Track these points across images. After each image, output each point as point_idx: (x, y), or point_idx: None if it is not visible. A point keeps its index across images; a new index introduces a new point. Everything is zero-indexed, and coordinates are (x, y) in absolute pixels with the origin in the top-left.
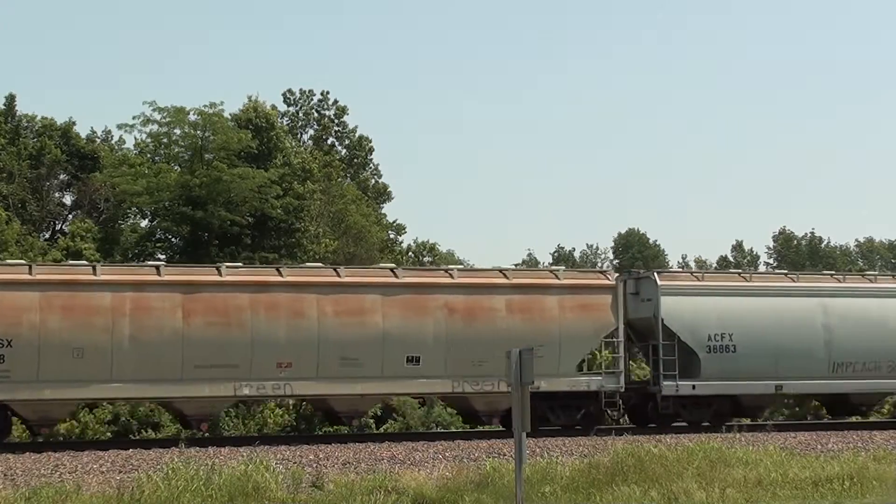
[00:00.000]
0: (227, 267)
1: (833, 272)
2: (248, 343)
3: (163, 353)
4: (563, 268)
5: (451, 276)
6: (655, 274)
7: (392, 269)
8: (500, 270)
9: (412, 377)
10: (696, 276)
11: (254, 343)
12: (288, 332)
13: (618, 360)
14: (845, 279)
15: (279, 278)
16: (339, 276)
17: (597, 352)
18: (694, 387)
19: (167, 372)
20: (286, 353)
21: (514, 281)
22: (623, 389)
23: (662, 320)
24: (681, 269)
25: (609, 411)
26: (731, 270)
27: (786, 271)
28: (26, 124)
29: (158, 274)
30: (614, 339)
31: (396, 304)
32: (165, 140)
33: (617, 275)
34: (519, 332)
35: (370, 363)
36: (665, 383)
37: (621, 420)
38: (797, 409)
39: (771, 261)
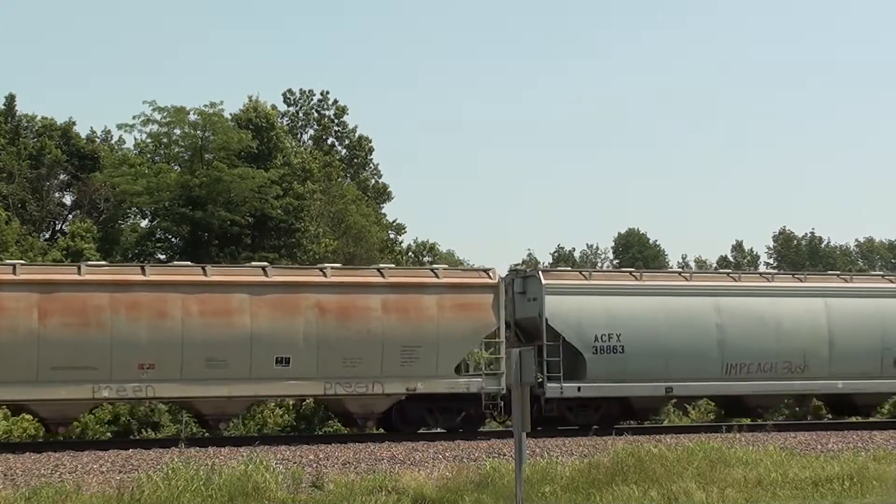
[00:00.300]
0: (88, 266)
1: (729, 271)
2: (107, 344)
3: (17, 355)
4: (445, 266)
5: (324, 274)
6: (540, 272)
7: (263, 268)
8: (378, 269)
9: (282, 379)
10: (583, 275)
11: (113, 344)
12: (150, 332)
13: (499, 361)
14: (740, 278)
15: (141, 277)
16: (205, 275)
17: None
18: (579, 389)
19: (21, 374)
20: (148, 355)
21: (391, 280)
22: (505, 391)
23: (546, 320)
24: (569, 268)
25: (492, 414)
26: (623, 269)
27: (679, 270)
28: (26, 124)
29: (14, 273)
30: (496, 340)
31: (265, 303)
32: (165, 140)
33: (507, 273)
34: (395, 333)
35: (237, 364)
36: (549, 385)
37: (507, 423)
38: (797, 409)
39: (771, 261)
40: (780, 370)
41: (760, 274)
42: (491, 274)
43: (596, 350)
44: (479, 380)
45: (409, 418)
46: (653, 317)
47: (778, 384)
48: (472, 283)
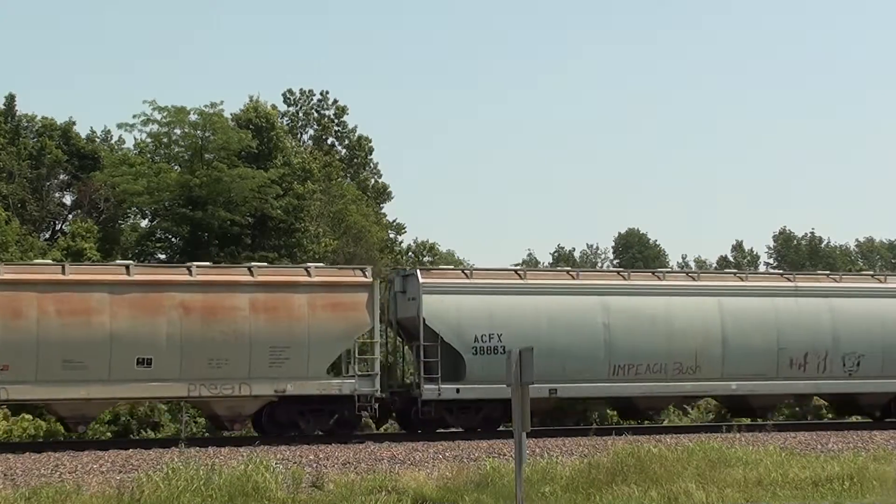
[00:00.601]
0: None
1: (620, 270)
2: None
3: None
4: (319, 264)
5: (190, 272)
6: (418, 271)
7: (126, 266)
8: (248, 267)
9: (143, 380)
10: (465, 274)
11: None
12: (3, 332)
13: (373, 362)
14: (630, 276)
15: None
16: (63, 273)
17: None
18: (458, 390)
19: None
20: (1, 356)
21: (260, 278)
22: (379, 393)
23: (424, 320)
24: (450, 267)
25: (367, 417)
26: (508, 267)
27: (568, 268)
28: (26, 124)
29: None
30: (371, 340)
31: (126, 303)
32: (165, 140)
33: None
34: (263, 333)
35: (96, 366)
36: (426, 387)
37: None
38: (797, 409)
39: (771, 261)
40: (670, 371)
41: (653, 272)
42: (366, 273)
43: (476, 351)
44: (353, 381)
45: (279, 421)
46: (536, 316)
47: (668, 385)
48: (345, 281)
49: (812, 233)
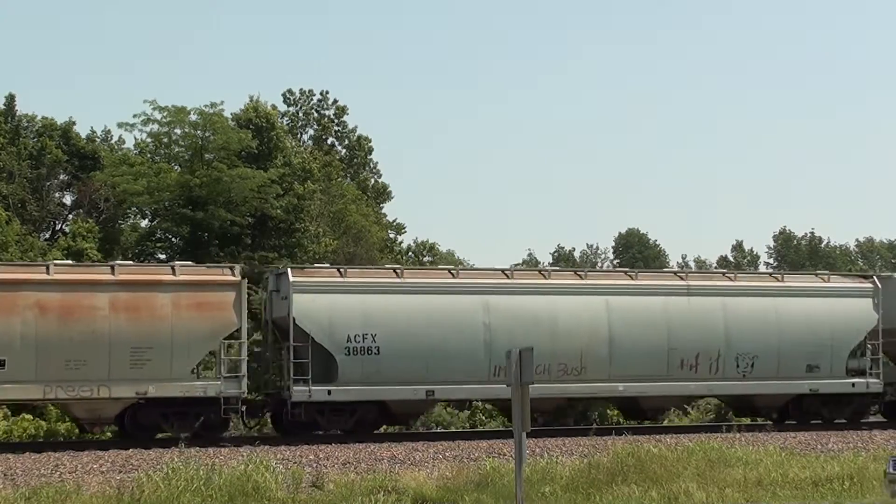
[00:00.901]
0: None
1: (504, 268)
2: None
3: None
4: (185, 263)
5: (47, 271)
6: (289, 269)
7: None
8: (111, 265)
9: None
10: (339, 272)
11: None
12: None
13: (240, 363)
14: (513, 275)
15: None
16: None
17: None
18: (330, 392)
19: None
20: None
21: (121, 277)
22: (245, 394)
23: (294, 319)
24: (325, 266)
25: (237, 419)
26: (387, 266)
27: (450, 268)
28: (26, 124)
29: None
30: (238, 341)
31: None
32: (166, 140)
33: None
34: (124, 333)
35: None
36: (296, 388)
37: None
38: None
39: (771, 261)
40: (554, 372)
41: (539, 271)
42: (234, 271)
43: (349, 351)
44: (218, 383)
45: (142, 424)
46: (413, 316)
47: (552, 387)
48: (211, 280)
49: (812, 233)
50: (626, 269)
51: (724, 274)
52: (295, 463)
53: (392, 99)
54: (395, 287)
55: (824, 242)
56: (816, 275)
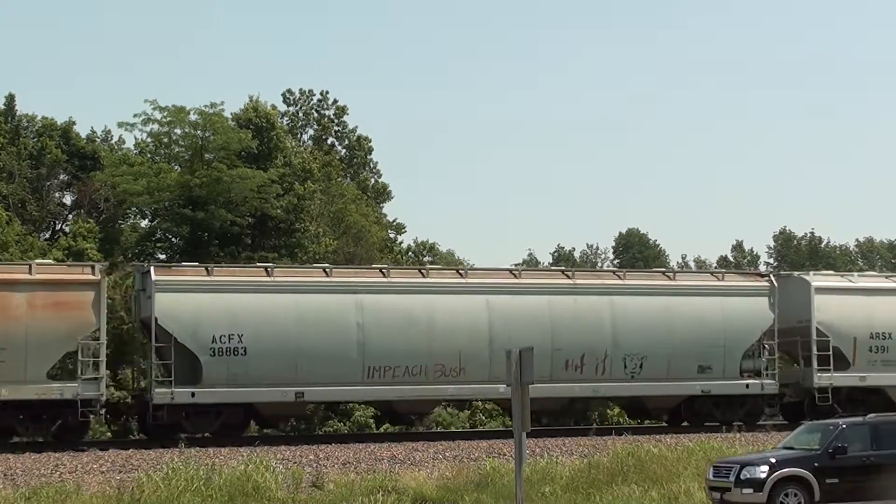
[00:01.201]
0: None
1: (382, 266)
2: None
3: None
4: (49, 261)
5: None
6: (152, 268)
7: None
8: None
9: None
10: (206, 271)
11: None
12: None
13: (99, 364)
14: (389, 273)
15: None
16: None
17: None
18: (193, 394)
19: None
20: None
21: None
22: (104, 397)
23: (156, 319)
24: (193, 264)
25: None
26: (258, 265)
27: (323, 266)
28: (26, 124)
29: None
30: (97, 342)
31: None
32: (166, 140)
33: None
34: None
35: None
36: (157, 390)
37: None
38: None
39: (771, 261)
40: (431, 374)
41: (419, 269)
42: (94, 270)
43: (214, 352)
44: (76, 385)
45: None
46: (282, 316)
47: (429, 389)
48: (69, 280)
49: (812, 233)
50: (511, 267)
51: (613, 272)
52: (295, 463)
53: (392, 99)
54: (265, 286)
55: (824, 242)
56: (712, 273)
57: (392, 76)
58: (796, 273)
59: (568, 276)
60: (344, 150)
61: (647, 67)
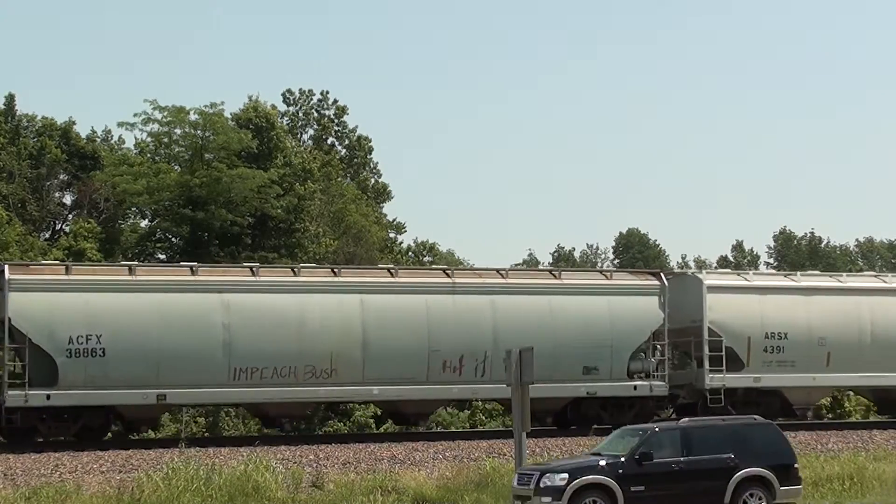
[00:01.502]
0: None
1: (251, 265)
2: None
3: None
4: None
5: None
6: (6, 266)
7: None
8: None
9: None
10: (66, 269)
11: None
12: None
13: None
14: (259, 272)
15: None
16: None
17: None
18: (49, 397)
19: None
20: None
21: None
22: None
23: (10, 319)
24: (52, 262)
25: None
26: (122, 263)
27: (189, 264)
28: (26, 124)
29: None
30: None
31: None
32: (166, 140)
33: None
34: None
35: None
36: (10, 393)
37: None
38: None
39: (771, 260)
40: (302, 375)
41: (292, 268)
42: None
43: (70, 353)
44: None
45: None
46: (144, 316)
47: (299, 391)
48: None
49: (812, 233)
50: (389, 265)
51: (497, 271)
52: (295, 463)
53: (392, 99)
54: (125, 285)
55: (824, 242)
56: (601, 272)
57: (392, 76)
58: (690, 271)
59: (448, 275)
60: (344, 150)
61: (647, 67)
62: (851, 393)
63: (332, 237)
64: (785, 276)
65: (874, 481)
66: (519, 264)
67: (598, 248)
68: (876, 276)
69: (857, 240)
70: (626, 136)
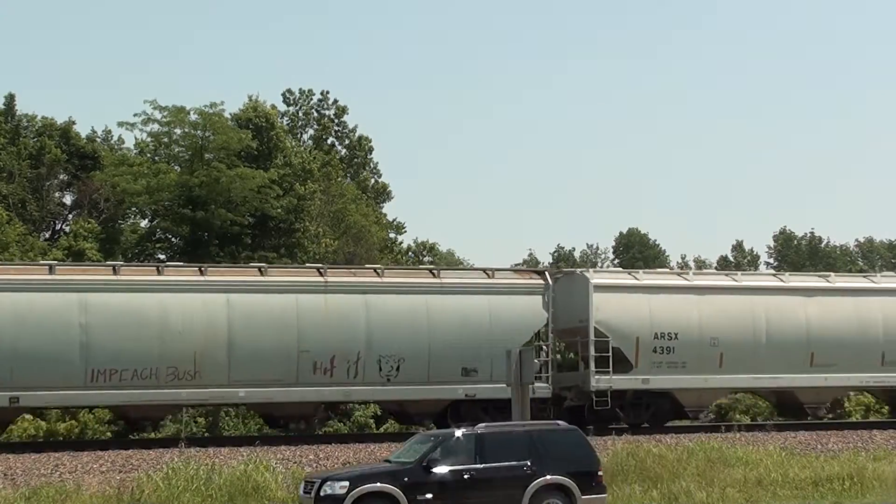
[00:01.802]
0: None
1: (115, 263)
2: None
3: None
4: None
5: None
6: None
7: None
8: None
9: None
10: None
11: None
12: None
13: None
14: (119, 270)
15: None
16: None
17: None
18: None
19: None
20: None
21: None
22: None
23: None
24: None
25: None
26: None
27: (48, 263)
28: (26, 124)
29: None
30: None
31: None
32: (166, 140)
33: None
34: None
35: None
36: None
37: None
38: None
39: (771, 260)
40: (164, 377)
41: (157, 267)
42: None
43: None
44: None
45: None
46: None
47: (161, 393)
48: None
49: (812, 233)
50: (259, 264)
51: (374, 270)
52: (295, 463)
53: (392, 99)
54: None
55: (824, 242)
56: (483, 271)
57: (392, 76)
58: (578, 270)
59: (320, 274)
60: (344, 150)
61: (647, 68)
62: (851, 393)
63: (332, 237)
64: (678, 274)
65: (874, 481)
66: (519, 264)
67: (598, 248)
68: (775, 275)
69: (857, 240)
70: (626, 136)
